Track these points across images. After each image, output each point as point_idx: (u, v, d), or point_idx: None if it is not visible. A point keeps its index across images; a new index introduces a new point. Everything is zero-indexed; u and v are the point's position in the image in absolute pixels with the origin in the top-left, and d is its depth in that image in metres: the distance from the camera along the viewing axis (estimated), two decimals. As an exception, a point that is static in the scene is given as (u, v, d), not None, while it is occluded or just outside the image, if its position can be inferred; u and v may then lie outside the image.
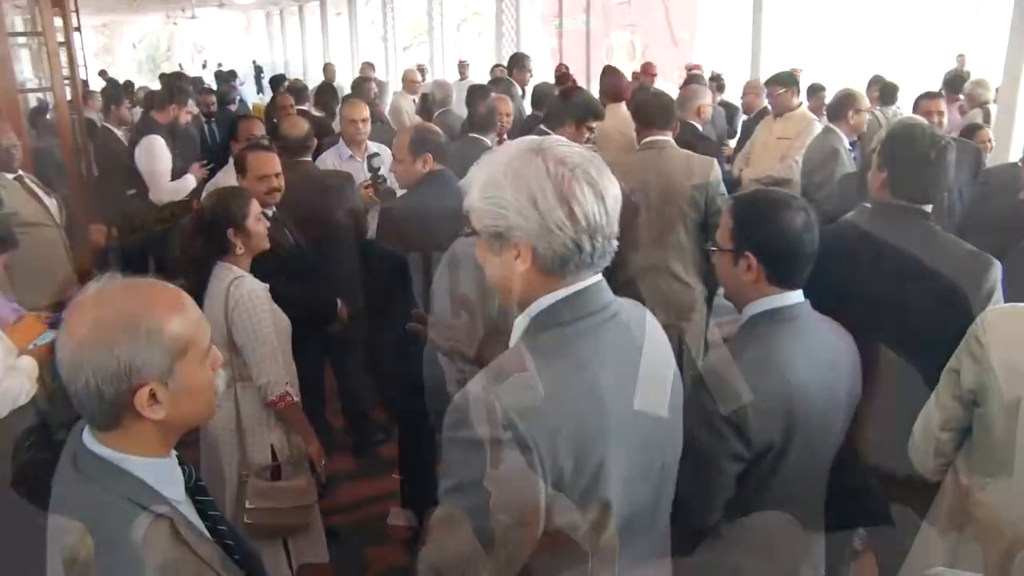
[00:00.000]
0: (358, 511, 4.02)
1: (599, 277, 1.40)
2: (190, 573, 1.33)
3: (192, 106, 8.19)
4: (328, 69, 12.15)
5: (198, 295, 2.77)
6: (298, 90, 8.33)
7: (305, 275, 3.60)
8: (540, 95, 6.72)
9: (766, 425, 1.76)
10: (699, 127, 5.26)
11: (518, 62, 8.36)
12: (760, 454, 1.80)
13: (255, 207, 2.91)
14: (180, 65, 23.87)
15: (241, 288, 2.77)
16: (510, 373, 1.31)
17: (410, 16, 17.92)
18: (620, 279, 3.80)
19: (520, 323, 1.42)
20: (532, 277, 1.36)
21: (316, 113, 7.25)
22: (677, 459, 1.55)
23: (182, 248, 2.88)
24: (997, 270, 2.28)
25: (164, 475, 1.40)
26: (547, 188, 1.30)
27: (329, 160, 4.79)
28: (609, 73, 6.16)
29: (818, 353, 1.88)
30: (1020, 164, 4.20)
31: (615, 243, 1.38)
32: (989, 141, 5.02)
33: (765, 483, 1.84)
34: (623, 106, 5.45)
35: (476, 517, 1.26)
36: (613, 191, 1.36)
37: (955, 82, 8.13)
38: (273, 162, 3.55)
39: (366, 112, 4.88)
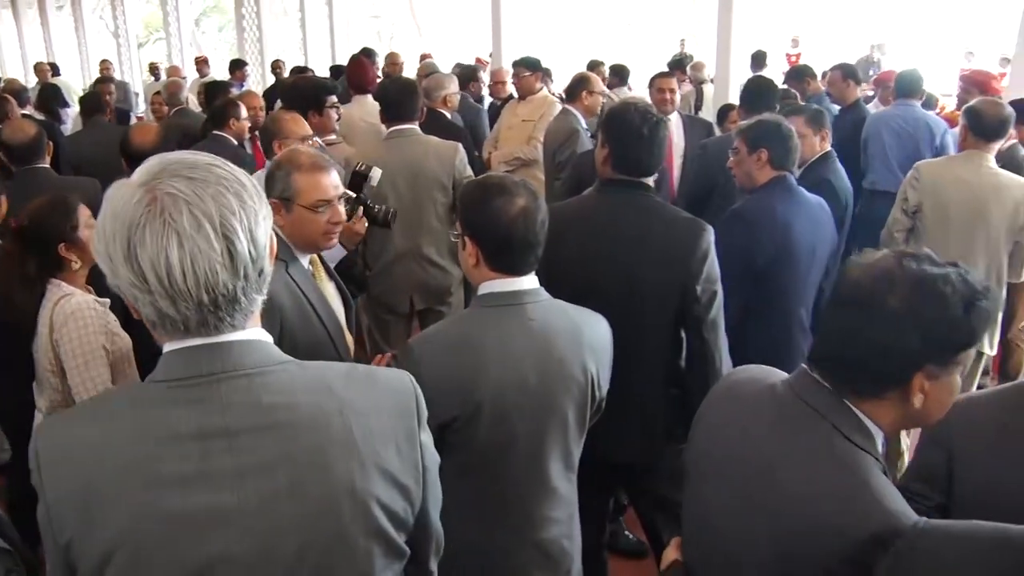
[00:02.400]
0: None
1: (209, 340, 1.13)
2: None
3: None
4: (39, 70, 11.17)
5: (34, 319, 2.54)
6: (16, 91, 7.61)
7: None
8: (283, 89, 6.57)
9: (439, 398, 1.65)
10: (447, 115, 5.37)
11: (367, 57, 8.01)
12: (443, 423, 1.84)
13: (84, 213, 2.62)
14: None
15: (67, 306, 2.50)
16: (76, 413, 1.21)
17: (143, 10, 16.84)
18: (378, 266, 3.83)
19: None
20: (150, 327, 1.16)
21: (38, 117, 6.68)
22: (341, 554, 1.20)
23: (3, 272, 2.55)
24: (710, 234, 2.48)
25: None
26: (120, 235, 1.05)
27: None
28: (354, 64, 6.14)
29: (531, 341, 1.92)
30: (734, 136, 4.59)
31: (238, 308, 1.12)
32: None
33: (459, 449, 1.88)
34: (369, 97, 5.46)
35: None
36: (202, 249, 1.06)
37: (680, 63, 9.00)
38: None
39: None
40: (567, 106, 5.24)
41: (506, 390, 1.90)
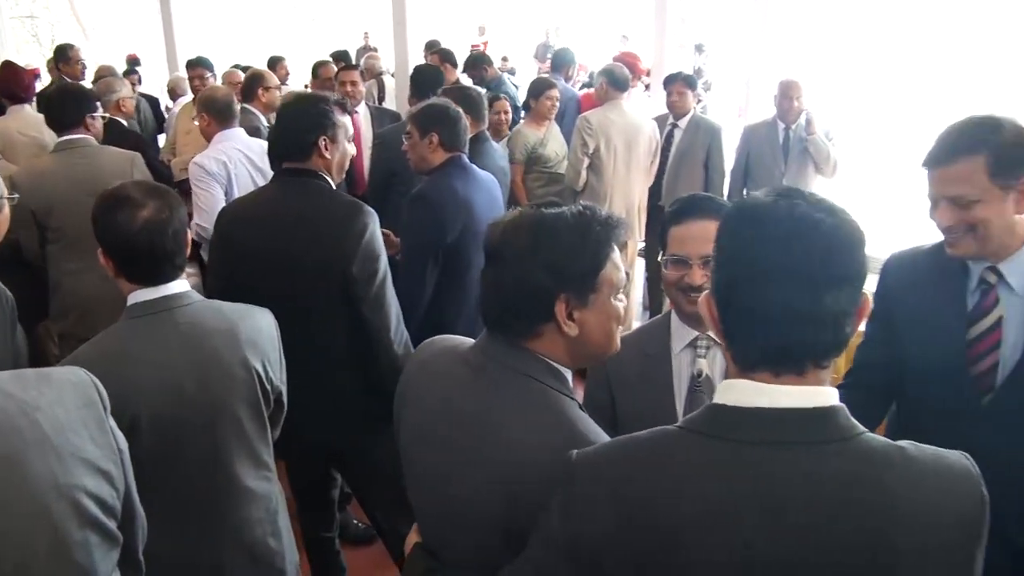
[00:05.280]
0: None
1: None
2: None
3: None
4: None
5: None
6: None
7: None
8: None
9: None
10: (123, 122, 5.13)
11: (63, 55, 7.06)
12: None
13: None
14: None
15: None
16: None
17: None
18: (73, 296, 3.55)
19: None
20: None
21: None
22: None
23: None
24: (367, 216, 2.53)
25: None
26: None
27: None
28: (5, 70, 5.56)
29: (184, 346, 1.89)
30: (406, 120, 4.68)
31: None
32: (505, 112, 5.53)
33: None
34: (27, 107, 5.04)
35: None
36: None
37: (358, 56, 9.26)
38: None
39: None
40: (245, 105, 5.13)
41: (163, 400, 1.85)
